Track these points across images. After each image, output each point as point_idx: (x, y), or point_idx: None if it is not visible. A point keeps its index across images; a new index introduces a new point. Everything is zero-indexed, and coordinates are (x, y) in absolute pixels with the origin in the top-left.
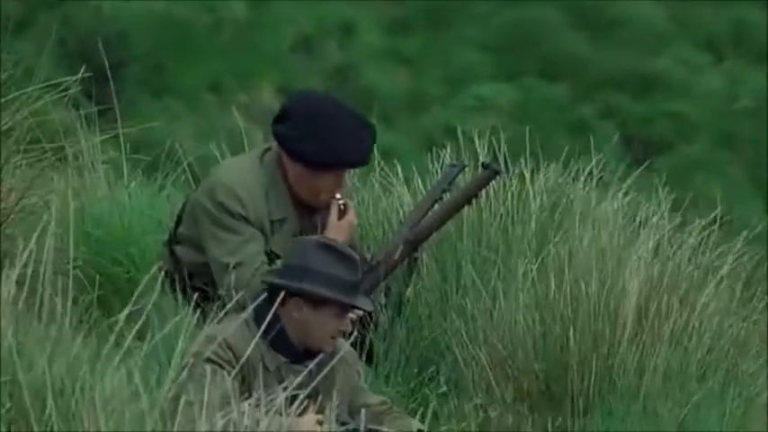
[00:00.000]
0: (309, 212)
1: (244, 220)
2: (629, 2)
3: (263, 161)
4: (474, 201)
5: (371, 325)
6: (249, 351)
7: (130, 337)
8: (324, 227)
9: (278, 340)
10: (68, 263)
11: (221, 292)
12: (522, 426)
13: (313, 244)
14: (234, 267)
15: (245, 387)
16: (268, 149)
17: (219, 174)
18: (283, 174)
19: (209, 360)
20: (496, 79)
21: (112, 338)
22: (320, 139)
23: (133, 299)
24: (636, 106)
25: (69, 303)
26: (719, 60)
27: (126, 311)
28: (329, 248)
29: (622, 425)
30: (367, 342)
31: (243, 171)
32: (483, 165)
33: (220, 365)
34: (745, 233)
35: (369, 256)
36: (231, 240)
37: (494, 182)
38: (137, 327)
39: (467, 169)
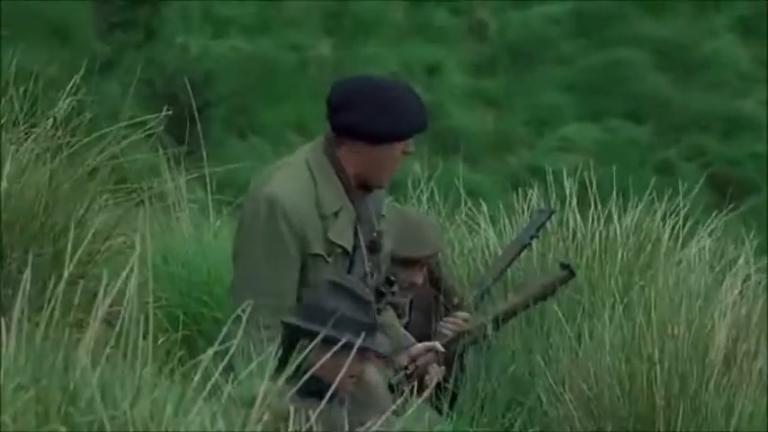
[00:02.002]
0: (362, 199)
1: (287, 235)
2: (713, 43)
3: (309, 163)
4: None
5: (456, 366)
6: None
7: (214, 378)
8: (376, 212)
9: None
10: (153, 303)
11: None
12: None
13: (327, 284)
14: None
15: None
16: (310, 150)
17: (264, 188)
18: (335, 165)
19: None
20: (581, 120)
21: (197, 379)
22: (392, 114)
23: (220, 338)
24: (721, 147)
25: (151, 344)
26: None
27: (211, 351)
28: (343, 289)
29: None
30: (450, 383)
31: (288, 181)
32: (561, 264)
33: None
34: None
35: (456, 299)
36: (259, 274)
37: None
38: (221, 367)
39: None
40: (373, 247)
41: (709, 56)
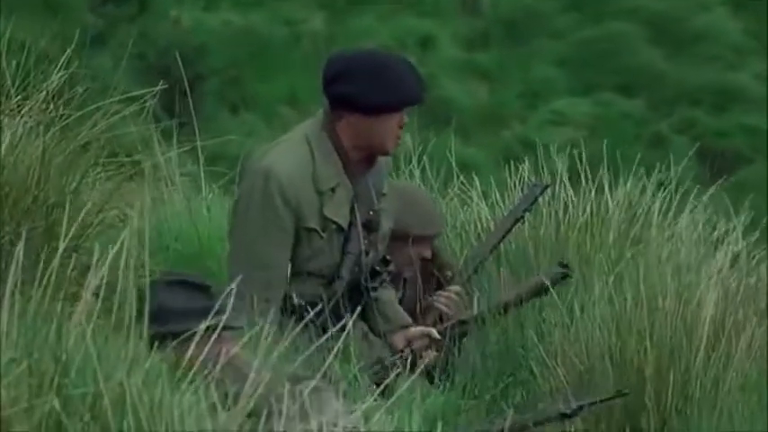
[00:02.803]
0: (361, 176)
1: (281, 209)
2: (705, 17)
3: (308, 137)
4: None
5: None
6: None
7: (206, 350)
8: (376, 191)
9: None
10: (145, 276)
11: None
12: None
13: (163, 284)
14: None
15: None
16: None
17: (260, 162)
18: (334, 140)
19: None
20: (574, 94)
21: (189, 352)
22: (386, 85)
23: (212, 313)
24: (713, 120)
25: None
26: None
27: (204, 325)
28: (180, 283)
29: None
30: (442, 354)
31: (285, 155)
32: (560, 263)
33: None
34: None
35: (449, 273)
36: (256, 246)
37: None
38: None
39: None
40: (370, 226)
41: (701, 29)
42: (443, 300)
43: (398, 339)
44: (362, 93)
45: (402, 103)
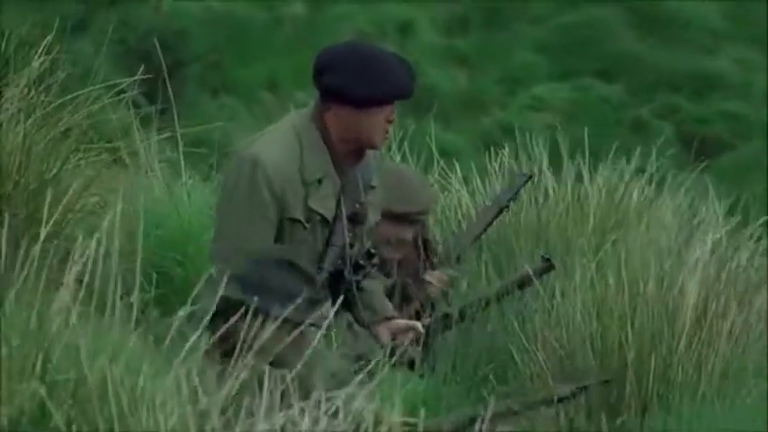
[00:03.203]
0: (349, 169)
1: (266, 198)
2: (686, 2)
3: (296, 128)
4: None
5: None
6: None
7: (194, 338)
8: (365, 184)
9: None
10: (127, 262)
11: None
12: (580, 425)
13: (273, 260)
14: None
15: None
16: (298, 116)
17: (248, 149)
18: (322, 132)
19: None
20: (553, 79)
21: (169, 337)
22: (372, 77)
23: (191, 297)
24: (693, 106)
25: (129, 302)
26: None
27: (186, 312)
28: (286, 262)
29: (680, 424)
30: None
31: (272, 144)
32: (542, 257)
33: None
34: None
35: (436, 260)
36: (240, 226)
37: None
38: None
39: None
40: (355, 219)
41: (681, 15)
42: (434, 286)
43: (383, 331)
44: (349, 85)
45: (388, 95)
